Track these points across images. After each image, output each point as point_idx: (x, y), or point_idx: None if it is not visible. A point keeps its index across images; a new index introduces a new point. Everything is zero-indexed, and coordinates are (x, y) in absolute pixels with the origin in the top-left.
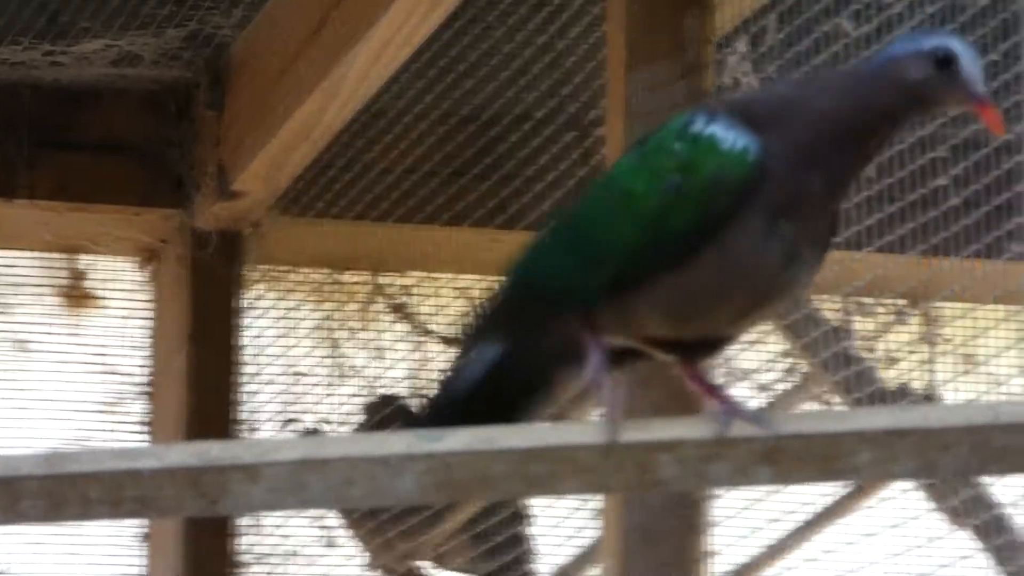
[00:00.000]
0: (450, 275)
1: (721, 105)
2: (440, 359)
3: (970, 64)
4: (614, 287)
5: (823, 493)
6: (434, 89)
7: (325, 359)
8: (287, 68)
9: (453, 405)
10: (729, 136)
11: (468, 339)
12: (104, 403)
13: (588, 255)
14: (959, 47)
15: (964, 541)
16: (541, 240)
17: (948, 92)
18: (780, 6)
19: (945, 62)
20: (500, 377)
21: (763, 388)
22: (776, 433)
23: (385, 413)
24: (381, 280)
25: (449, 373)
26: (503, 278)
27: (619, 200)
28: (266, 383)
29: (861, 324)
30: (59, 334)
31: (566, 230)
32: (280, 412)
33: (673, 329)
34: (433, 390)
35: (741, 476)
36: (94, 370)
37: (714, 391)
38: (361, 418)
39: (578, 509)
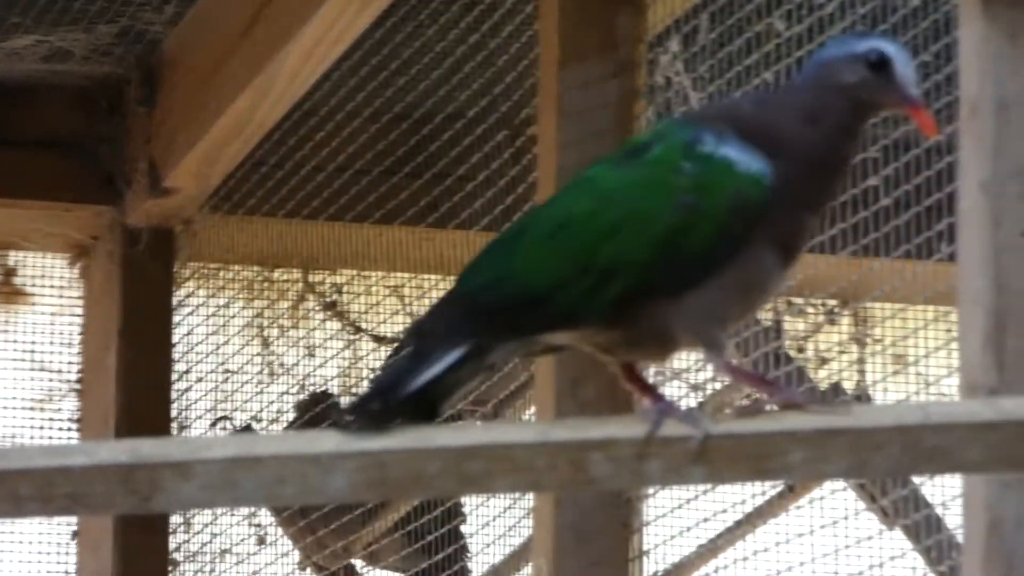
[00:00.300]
0: (382, 273)
1: (719, 124)
2: (371, 357)
3: (903, 66)
4: (619, 303)
5: (755, 493)
6: (366, 87)
7: (256, 357)
8: (219, 65)
9: (392, 405)
10: (743, 159)
11: (422, 339)
12: (34, 400)
13: (590, 269)
14: (892, 49)
15: (895, 541)
16: (518, 246)
17: (883, 94)
18: (712, 6)
19: (879, 64)
20: (449, 378)
21: (695, 387)
22: (707, 432)
23: (317, 411)
24: (312, 278)
25: (392, 373)
26: (469, 279)
27: (625, 215)
28: (197, 381)
29: (792, 324)
30: None
31: (555, 239)
32: (211, 410)
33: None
34: (364, 388)
35: (674, 475)
36: (24, 367)
37: (649, 390)
38: (292, 416)
39: (510, 507)
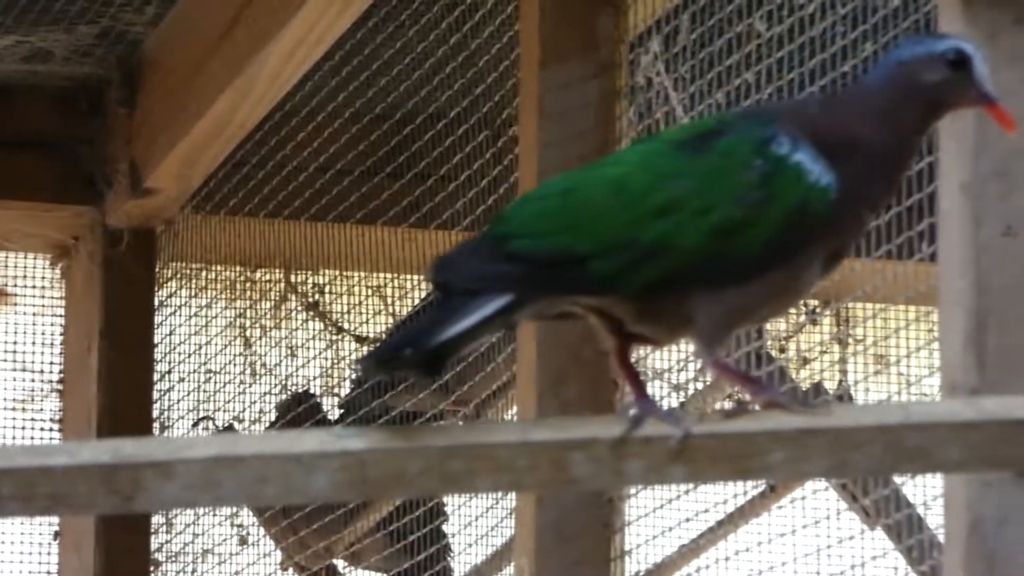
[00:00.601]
0: (363, 273)
1: (791, 125)
2: (353, 357)
3: (981, 64)
4: (657, 283)
5: (736, 493)
6: (347, 87)
7: (238, 357)
8: (200, 66)
9: (415, 355)
10: (815, 169)
11: (451, 287)
12: (16, 400)
13: (638, 244)
14: (970, 48)
15: (877, 541)
16: (569, 204)
17: (963, 93)
18: (693, 6)
19: (959, 63)
20: (476, 331)
21: (677, 387)
22: (688, 431)
23: (299, 411)
24: (294, 278)
25: (422, 322)
26: (507, 228)
27: (684, 198)
28: (179, 381)
29: (773, 324)
30: None
31: (608, 206)
32: (193, 410)
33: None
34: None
35: (655, 475)
36: (5, 367)
37: (636, 381)
38: (274, 416)
39: (492, 507)
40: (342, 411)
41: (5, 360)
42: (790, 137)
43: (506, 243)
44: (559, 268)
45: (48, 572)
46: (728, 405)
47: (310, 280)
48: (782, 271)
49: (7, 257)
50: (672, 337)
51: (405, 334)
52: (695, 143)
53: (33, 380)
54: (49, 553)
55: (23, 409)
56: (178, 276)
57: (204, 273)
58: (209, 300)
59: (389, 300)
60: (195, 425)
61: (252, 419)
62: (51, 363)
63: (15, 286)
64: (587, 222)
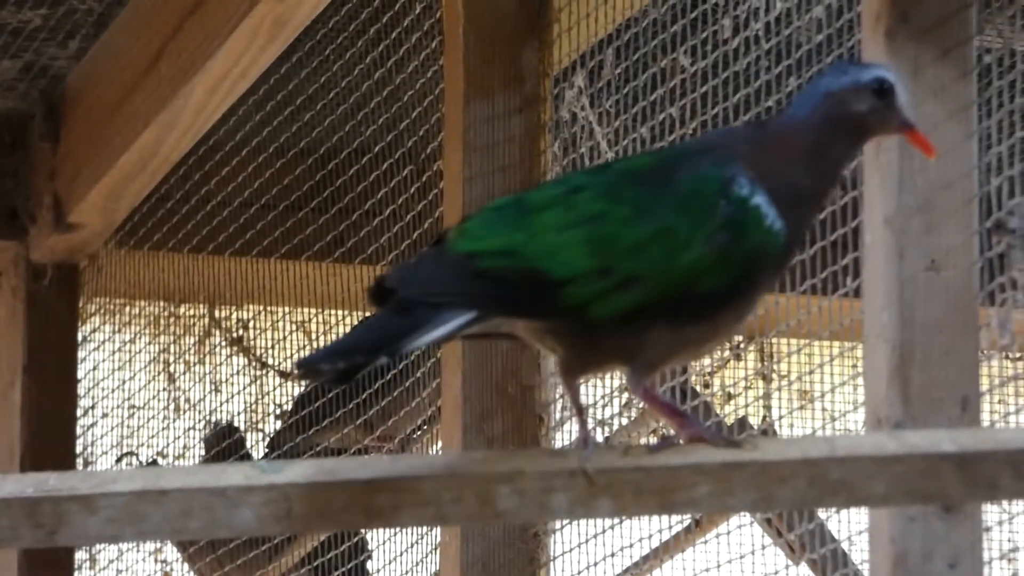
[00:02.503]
0: (288, 308)
1: (743, 164)
2: (278, 392)
3: (903, 91)
4: (622, 313)
5: (661, 528)
6: (272, 122)
7: (162, 392)
8: (124, 100)
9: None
10: (770, 214)
11: (412, 297)
12: None
13: (613, 273)
14: (893, 76)
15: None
16: (536, 224)
17: (887, 121)
18: (617, 41)
19: (883, 92)
20: (444, 340)
21: (601, 423)
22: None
23: (223, 445)
24: (218, 313)
25: (381, 328)
26: (471, 243)
27: (659, 233)
28: (102, 416)
29: (699, 361)
30: None
31: (582, 232)
32: (117, 445)
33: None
34: (269, 422)
35: (581, 508)
36: None
37: (580, 407)
38: (202, 450)
39: (417, 542)
40: (268, 448)
41: None
42: (748, 178)
43: (474, 260)
44: (528, 290)
45: None
46: (653, 440)
47: (234, 315)
48: (733, 309)
49: None
50: (602, 368)
51: (368, 337)
52: (654, 177)
53: None
54: None
55: None
56: (102, 311)
57: (128, 308)
58: (133, 335)
59: (313, 335)
60: (119, 460)
61: (176, 454)
62: None
63: None
64: (559, 245)
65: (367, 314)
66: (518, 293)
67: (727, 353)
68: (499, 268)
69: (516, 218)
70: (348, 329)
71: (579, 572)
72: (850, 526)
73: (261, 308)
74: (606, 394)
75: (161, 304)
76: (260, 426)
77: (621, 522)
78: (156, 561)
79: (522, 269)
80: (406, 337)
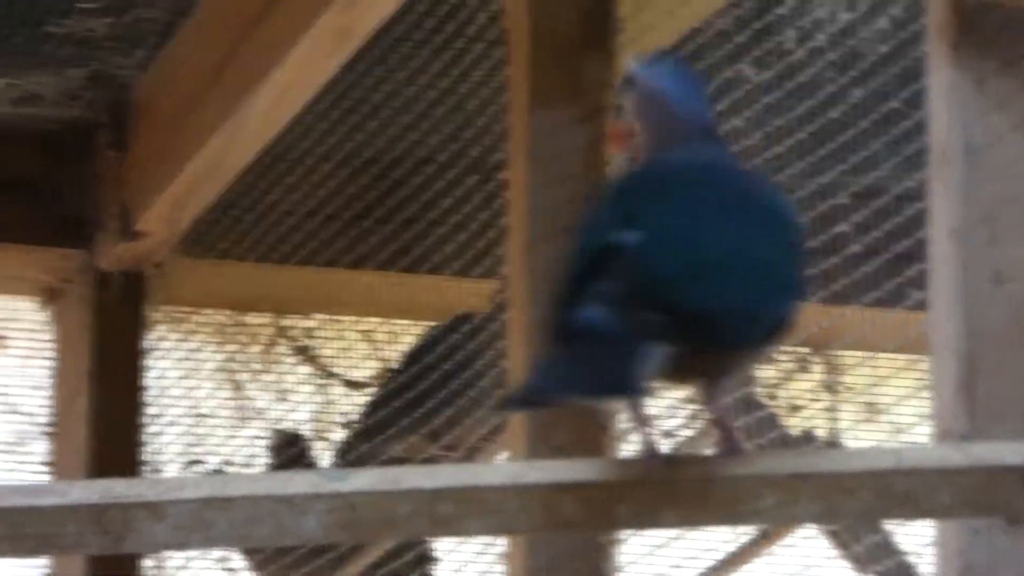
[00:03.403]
0: (353, 317)
1: None
2: (343, 401)
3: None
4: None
5: (727, 539)
6: (337, 131)
7: (227, 400)
8: (189, 109)
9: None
10: None
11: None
12: (5, 443)
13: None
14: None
15: None
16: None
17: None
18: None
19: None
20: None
21: (667, 434)
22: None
23: (289, 453)
24: (284, 322)
25: (611, 362)
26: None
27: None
28: (168, 424)
29: (763, 371)
30: None
31: (776, 264)
32: (182, 453)
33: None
34: (335, 431)
35: (646, 519)
36: None
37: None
38: (267, 459)
39: (483, 552)
40: (336, 457)
41: None
42: None
43: (667, 292)
44: (717, 322)
45: None
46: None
47: (299, 324)
48: None
49: None
50: (683, 385)
51: (589, 376)
52: (771, 200)
53: (23, 423)
54: None
55: (13, 452)
56: (168, 319)
57: (194, 317)
58: (199, 344)
59: (378, 344)
60: (185, 469)
61: (242, 463)
62: (41, 406)
63: (5, 329)
64: (751, 279)
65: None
66: (703, 325)
67: (792, 365)
68: (698, 302)
69: (708, 248)
70: (412, 339)
71: None
72: (916, 538)
73: (327, 317)
74: (672, 405)
75: (227, 313)
76: (325, 435)
77: (687, 533)
78: (223, 569)
79: (723, 303)
80: (633, 373)
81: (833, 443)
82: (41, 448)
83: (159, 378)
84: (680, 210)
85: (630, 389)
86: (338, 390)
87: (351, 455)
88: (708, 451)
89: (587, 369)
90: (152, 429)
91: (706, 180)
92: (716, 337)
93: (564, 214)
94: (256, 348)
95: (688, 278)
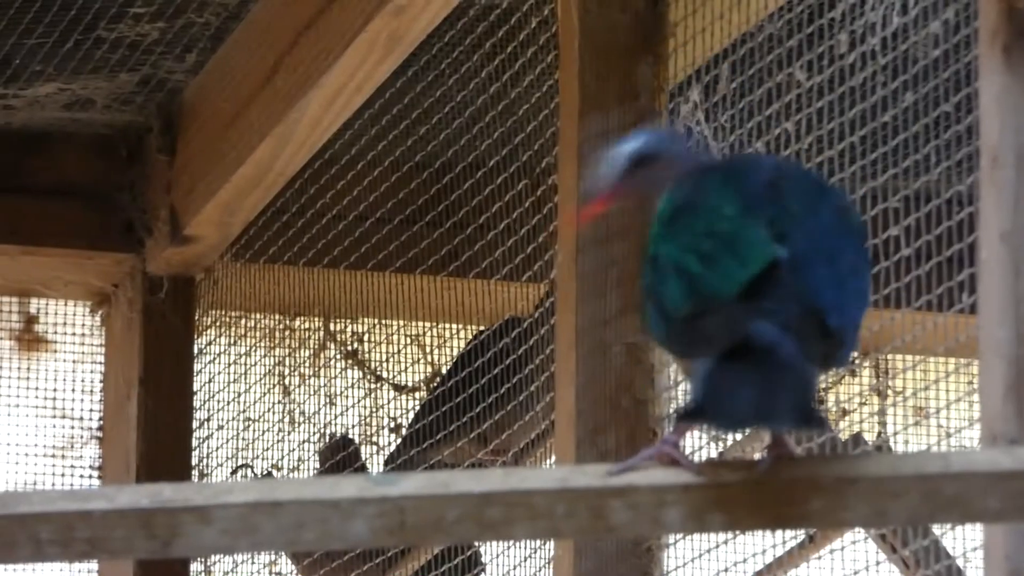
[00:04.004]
0: (402, 322)
1: None
2: (392, 405)
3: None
4: None
5: (775, 543)
6: (387, 136)
7: (276, 405)
8: (240, 113)
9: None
10: None
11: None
12: (55, 447)
13: None
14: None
15: None
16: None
17: None
18: (733, 56)
19: None
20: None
21: (715, 437)
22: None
23: (338, 458)
24: (333, 326)
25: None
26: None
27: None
28: (217, 428)
29: None
30: (10, 377)
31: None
32: (231, 457)
33: None
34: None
35: (694, 523)
36: (46, 414)
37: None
38: (315, 463)
39: (531, 556)
40: (387, 462)
41: (45, 407)
42: None
43: (828, 318)
44: (847, 343)
45: None
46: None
47: (349, 328)
48: None
49: (48, 304)
50: None
51: (784, 405)
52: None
53: (73, 427)
54: None
55: (63, 456)
56: (217, 324)
57: (243, 321)
58: (248, 348)
59: (427, 349)
60: (234, 472)
61: (291, 467)
62: (91, 410)
63: (55, 333)
64: (861, 297)
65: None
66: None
67: (841, 369)
68: (840, 325)
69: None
70: (461, 344)
71: None
72: (965, 542)
73: (376, 321)
74: None
75: (276, 317)
76: (374, 439)
77: (735, 537)
78: (271, 573)
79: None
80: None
81: (882, 447)
82: (91, 452)
83: (208, 382)
84: (812, 221)
85: (818, 421)
86: (387, 394)
87: (401, 460)
88: (757, 455)
89: (781, 398)
90: (201, 433)
91: (796, 178)
92: (844, 357)
93: (613, 218)
94: (305, 352)
95: (838, 305)
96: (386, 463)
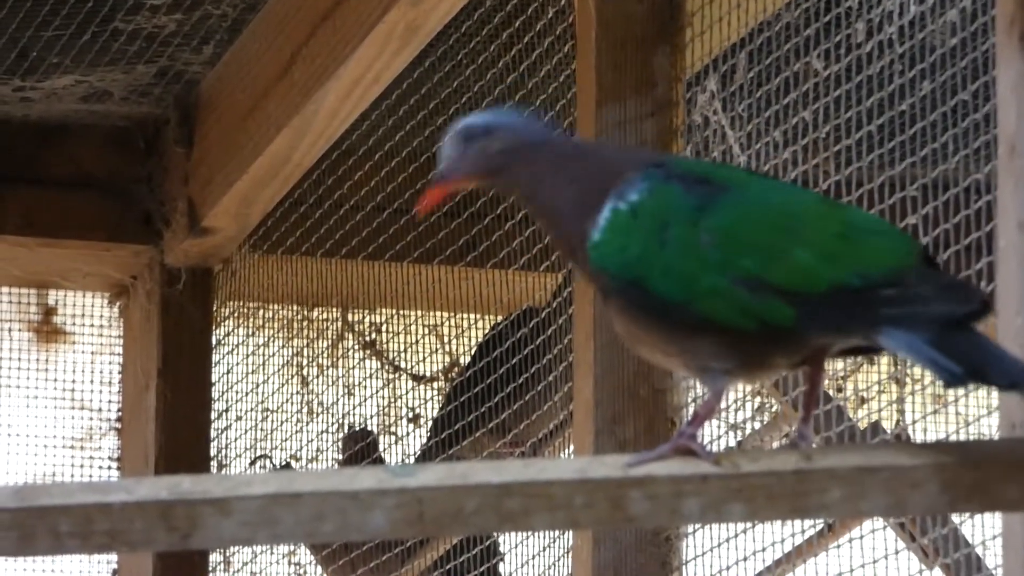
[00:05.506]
0: (420, 312)
1: None
2: (410, 395)
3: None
4: None
5: (794, 532)
6: (404, 126)
7: (295, 395)
8: (257, 105)
9: None
10: None
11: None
12: (74, 438)
13: None
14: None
15: None
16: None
17: None
18: (750, 45)
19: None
20: None
21: (733, 427)
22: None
23: (356, 448)
24: (351, 317)
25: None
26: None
27: None
28: (236, 419)
29: (830, 364)
30: (29, 369)
31: None
32: (250, 448)
33: None
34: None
35: (713, 513)
36: (64, 405)
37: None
38: (335, 454)
39: (549, 546)
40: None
41: (64, 398)
42: None
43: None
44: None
45: None
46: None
47: (367, 319)
48: None
49: (66, 296)
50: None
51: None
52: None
53: (91, 418)
54: None
55: (81, 447)
56: (235, 315)
57: (261, 312)
58: (266, 339)
59: (445, 339)
60: (252, 463)
61: (309, 457)
62: (109, 401)
63: (74, 325)
64: None
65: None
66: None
67: (860, 357)
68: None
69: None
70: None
71: None
72: (984, 530)
73: (394, 312)
74: (738, 398)
75: (294, 308)
76: (392, 430)
77: (753, 526)
78: (290, 564)
79: None
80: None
81: (900, 436)
82: (110, 444)
83: (226, 373)
84: None
85: None
86: (405, 384)
87: (433, 452)
88: (775, 444)
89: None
90: (219, 424)
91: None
92: None
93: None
94: (323, 343)
95: None
96: (420, 456)
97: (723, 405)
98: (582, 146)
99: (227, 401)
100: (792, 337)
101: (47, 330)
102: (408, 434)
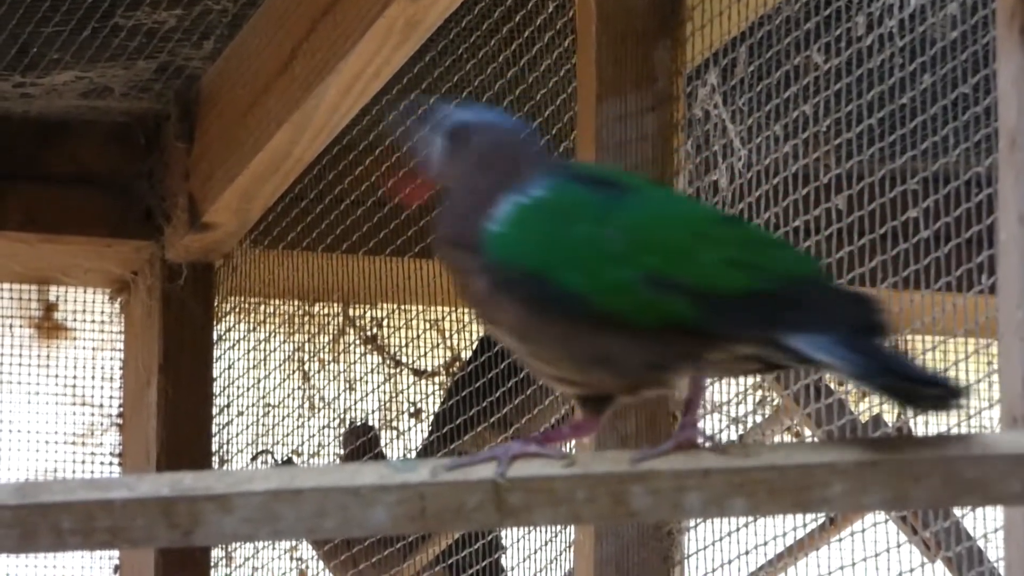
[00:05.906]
0: (422, 307)
1: None
2: (411, 390)
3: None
4: None
5: (796, 526)
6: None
7: (296, 391)
8: (257, 100)
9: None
10: None
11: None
12: (76, 434)
13: None
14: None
15: (937, 574)
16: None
17: None
18: (751, 39)
19: None
20: None
21: (735, 420)
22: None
23: (357, 444)
24: (352, 312)
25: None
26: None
27: None
28: (237, 415)
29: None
30: (30, 365)
31: None
32: (252, 444)
33: None
34: (403, 420)
35: (714, 507)
36: (65, 401)
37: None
38: (337, 449)
39: (551, 540)
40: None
41: (65, 395)
42: None
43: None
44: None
45: None
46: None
47: (368, 314)
48: None
49: (67, 292)
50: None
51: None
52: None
53: (93, 414)
54: None
55: (83, 443)
56: (236, 310)
57: (262, 307)
58: (267, 334)
59: (447, 333)
60: (254, 459)
61: (311, 452)
62: (110, 397)
63: (75, 321)
64: None
65: None
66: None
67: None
68: None
69: None
70: (480, 329)
71: (713, 570)
72: (986, 523)
73: (395, 306)
74: (740, 392)
75: (295, 303)
76: (394, 424)
77: (755, 520)
78: (292, 559)
79: None
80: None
81: (902, 429)
82: (111, 439)
83: (227, 368)
84: None
85: None
86: (407, 379)
87: (435, 446)
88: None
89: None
90: (221, 419)
91: None
92: None
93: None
94: (325, 338)
95: None
96: (422, 453)
97: (724, 400)
98: (525, 153)
99: (228, 397)
100: (695, 341)
101: (48, 326)
102: (410, 429)
